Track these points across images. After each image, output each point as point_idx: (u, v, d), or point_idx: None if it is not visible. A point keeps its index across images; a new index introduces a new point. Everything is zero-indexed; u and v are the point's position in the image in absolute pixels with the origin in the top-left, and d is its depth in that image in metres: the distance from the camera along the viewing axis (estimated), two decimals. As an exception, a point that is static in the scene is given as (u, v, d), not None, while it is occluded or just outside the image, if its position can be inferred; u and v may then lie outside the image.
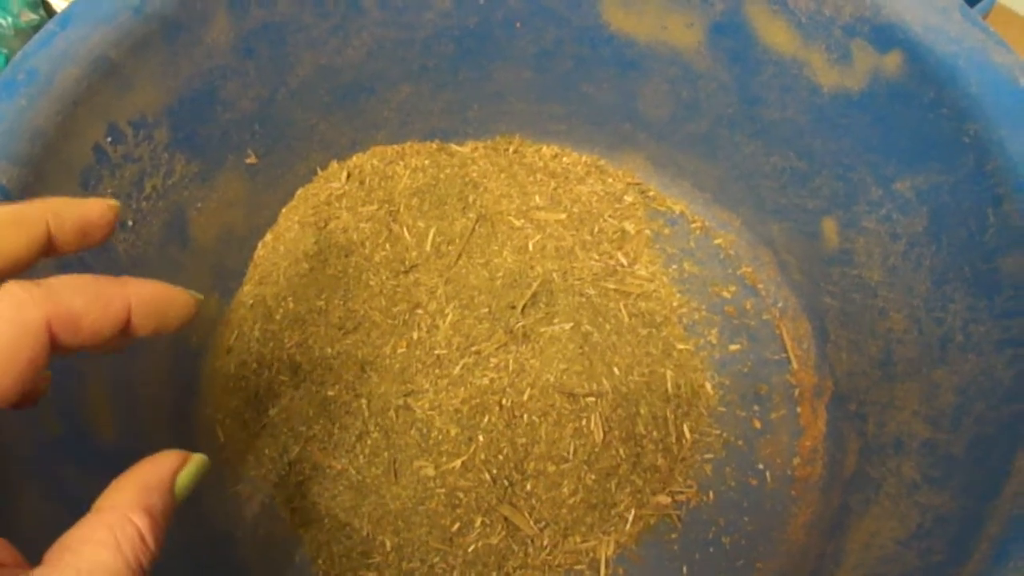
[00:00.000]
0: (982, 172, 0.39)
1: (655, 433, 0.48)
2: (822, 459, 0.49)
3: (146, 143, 0.44)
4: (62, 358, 0.25)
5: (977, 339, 0.39)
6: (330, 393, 0.48)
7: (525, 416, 0.46)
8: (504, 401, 0.46)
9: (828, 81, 0.46)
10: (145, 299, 0.27)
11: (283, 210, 0.54)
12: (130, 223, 0.45)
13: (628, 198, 0.55)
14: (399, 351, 0.49)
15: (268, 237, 0.53)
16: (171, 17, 0.43)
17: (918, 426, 0.42)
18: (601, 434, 0.46)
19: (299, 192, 0.54)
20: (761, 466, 0.49)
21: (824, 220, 0.49)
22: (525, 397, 0.47)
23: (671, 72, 0.51)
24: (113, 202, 0.29)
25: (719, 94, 0.50)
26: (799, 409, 0.51)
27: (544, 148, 0.57)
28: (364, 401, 0.47)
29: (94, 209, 0.28)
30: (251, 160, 0.50)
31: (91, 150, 0.41)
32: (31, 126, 0.38)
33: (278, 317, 0.50)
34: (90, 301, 0.25)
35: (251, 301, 0.51)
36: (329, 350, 0.49)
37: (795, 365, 0.51)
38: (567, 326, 0.48)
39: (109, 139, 0.42)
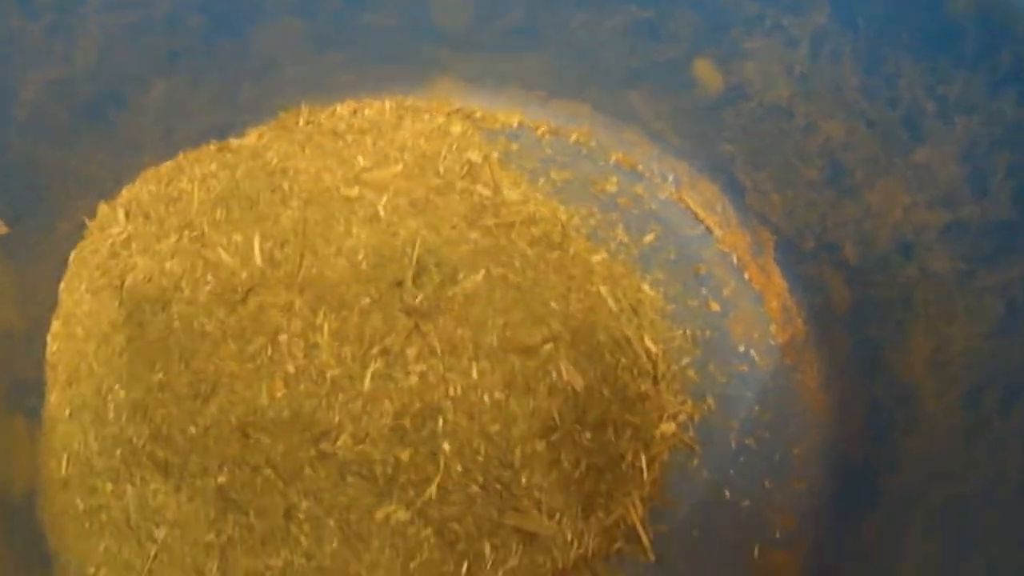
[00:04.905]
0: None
1: (623, 360, 0.41)
2: (798, 313, 0.44)
3: None
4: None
5: (958, 94, 0.34)
6: (221, 480, 0.37)
7: (486, 396, 0.38)
8: (451, 391, 0.38)
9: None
10: None
11: (61, 285, 0.41)
12: None
13: (455, 128, 0.47)
14: (278, 395, 0.38)
15: (56, 326, 0.40)
16: None
17: (920, 214, 0.37)
18: (580, 380, 0.38)
19: (72, 256, 0.42)
20: (742, 348, 0.44)
21: (695, 63, 0.43)
22: (475, 375, 0.38)
23: (460, -37, 0.43)
24: None
25: (524, -31, 0.43)
26: (746, 274, 0.45)
27: (338, 107, 0.47)
28: (269, 471, 0.37)
29: None
30: (2, 231, 0.37)
31: None
32: None
33: (111, 416, 0.38)
34: None
35: (68, 411, 0.39)
36: (193, 429, 0.38)
37: (717, 232, 0.46)
38: (478, 277, 0.40)
39: None
